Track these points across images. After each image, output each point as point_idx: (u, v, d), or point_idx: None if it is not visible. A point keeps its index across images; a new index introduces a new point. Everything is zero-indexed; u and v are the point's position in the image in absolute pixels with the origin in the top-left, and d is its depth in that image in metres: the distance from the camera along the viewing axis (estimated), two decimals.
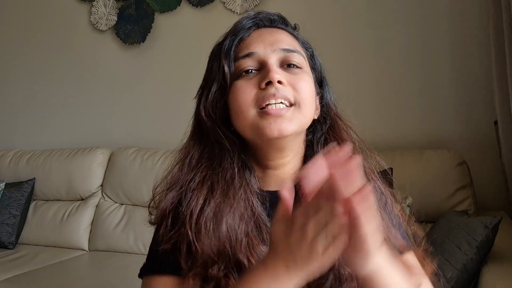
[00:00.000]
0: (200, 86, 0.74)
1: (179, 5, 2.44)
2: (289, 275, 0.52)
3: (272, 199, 0.67)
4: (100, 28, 2.62)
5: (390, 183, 0.75)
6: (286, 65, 0.69)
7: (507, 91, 1.62)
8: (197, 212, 0.65)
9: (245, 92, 0.66)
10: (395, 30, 2.04)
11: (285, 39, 0.71)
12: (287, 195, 0.53)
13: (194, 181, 0.68)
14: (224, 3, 2.34)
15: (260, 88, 0.66)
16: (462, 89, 1.96)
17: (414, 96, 2.02)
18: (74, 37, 2.73)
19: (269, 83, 0.65)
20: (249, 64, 0.68)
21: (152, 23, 2.49)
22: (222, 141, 0.69)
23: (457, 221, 1.44)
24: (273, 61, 0.68)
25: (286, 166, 0.71)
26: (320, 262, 0.50)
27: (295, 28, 0.77)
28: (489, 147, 1.88)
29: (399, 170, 1.53)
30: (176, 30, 2.47)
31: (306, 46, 0.75)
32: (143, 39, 2.52)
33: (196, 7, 2.41)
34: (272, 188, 0.70)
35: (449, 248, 1.33)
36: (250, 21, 0.72)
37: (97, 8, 2.62)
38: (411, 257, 0.69)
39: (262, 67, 0.68)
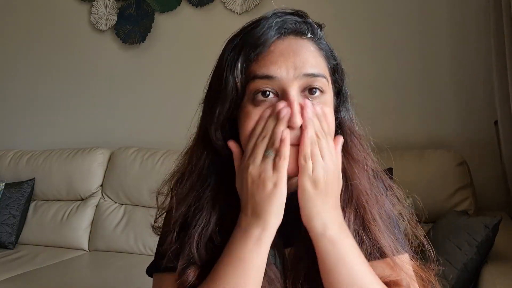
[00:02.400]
0: (208, 95, 0.68)
1: (179, 5, 2.44)
2: (264, 230, 0.59)
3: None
4: (100, 28, 2.62)
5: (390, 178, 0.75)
6: (308, 89, 0.63)
7: (507, 91, 1.62)
8: (202, 230, 0.65)
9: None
10: (395, 30, 2.05)
11: (309, 58, 0.64)
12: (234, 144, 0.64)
13: (202, 199, 0.66)
14: (224, 3, 2.34)
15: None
16: (462, 89, 1.96)
17: (414, 96, 2.02)
18: (74, 37, 2.73)
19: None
20: (267, 87, 0.62)
21: (152, 23, 2.49)
22: (228, 155, 0.66)
23: (457, 221, 1.44)
24: (294, 92, 0.61)
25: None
26: (274, 195, 0.58)
27: (320, 27, 0.69)
28: (489, 147, 1.88)
29: (399, 170, 1.52)
30: (176, 30, 2.47)
31: (330, 57, 0.69)
32: (143, 39, 2.52)
33: (196, 7, 2.41)
34: None
35: (449, 248, 1.33)
36: (275, 32, 0.63)
37: (97, 8, 2.62)
38: (402, 260, 0.67)
39: (282, 96, 0.62)
